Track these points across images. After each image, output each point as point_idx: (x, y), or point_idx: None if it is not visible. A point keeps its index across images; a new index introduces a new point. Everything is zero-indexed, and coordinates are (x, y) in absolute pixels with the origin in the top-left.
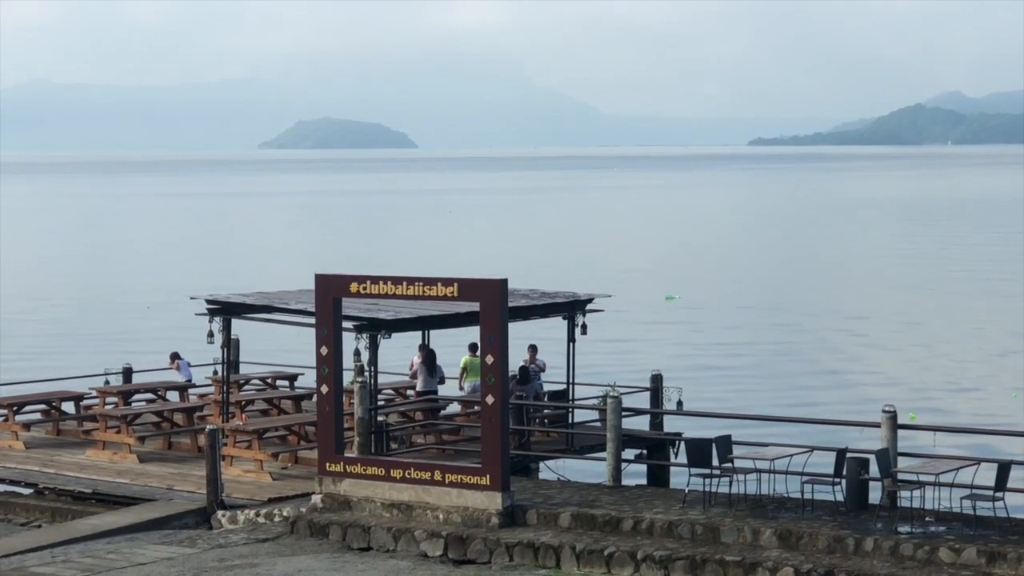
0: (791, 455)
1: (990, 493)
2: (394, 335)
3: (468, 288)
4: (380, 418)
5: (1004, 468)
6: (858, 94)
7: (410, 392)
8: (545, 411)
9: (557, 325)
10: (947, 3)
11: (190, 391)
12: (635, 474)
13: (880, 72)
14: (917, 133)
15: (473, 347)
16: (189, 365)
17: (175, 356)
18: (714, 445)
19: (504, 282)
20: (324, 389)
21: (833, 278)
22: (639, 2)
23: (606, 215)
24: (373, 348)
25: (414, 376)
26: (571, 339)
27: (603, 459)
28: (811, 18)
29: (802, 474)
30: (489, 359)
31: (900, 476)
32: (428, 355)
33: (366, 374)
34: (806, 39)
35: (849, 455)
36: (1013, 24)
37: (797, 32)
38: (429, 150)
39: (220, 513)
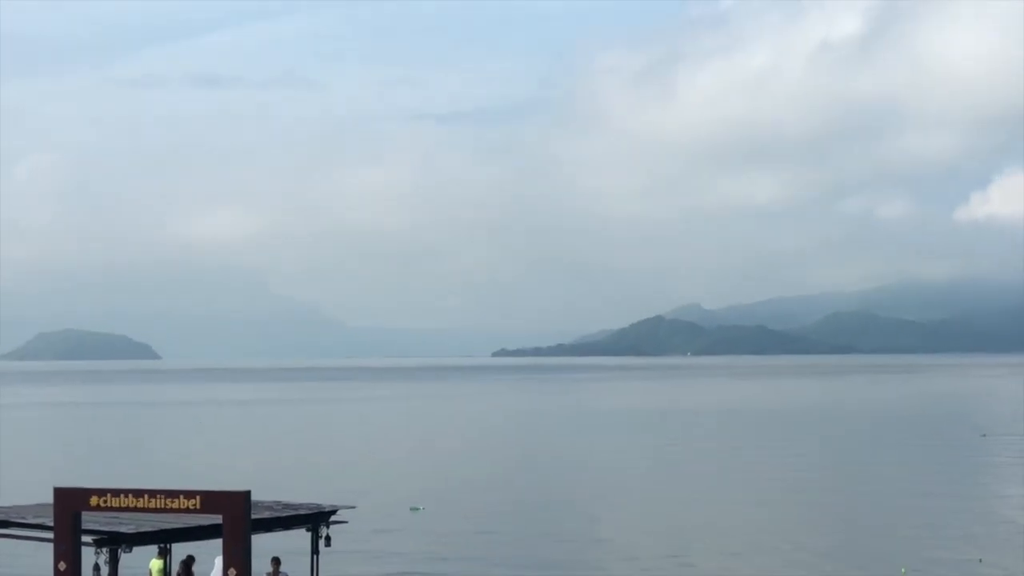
0: None
1: None
2: (135, 549)
3: (211, 501)
4: None
5: None
6: (600, 306)
7: None
8: None
9: (301, 537)
10: (686, 217)
11: None
12: None
13: (621, 284)
14: (658, 344)
15: (161, 551)
16: None
17: None
18: None
19: (247, 494)
20: None
21: (574, 487)
22: (383, 216)
23: (351, 427)
24: (113, 562)
25: None
26: (315, 551)
27: None
28: (554, 231)
29: None
30: (232, 572)
31: None
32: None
33: None
34: (549, 251)
35: None
36: (750, 239)
37: (540, 244)
38: (173, 362)
39: None
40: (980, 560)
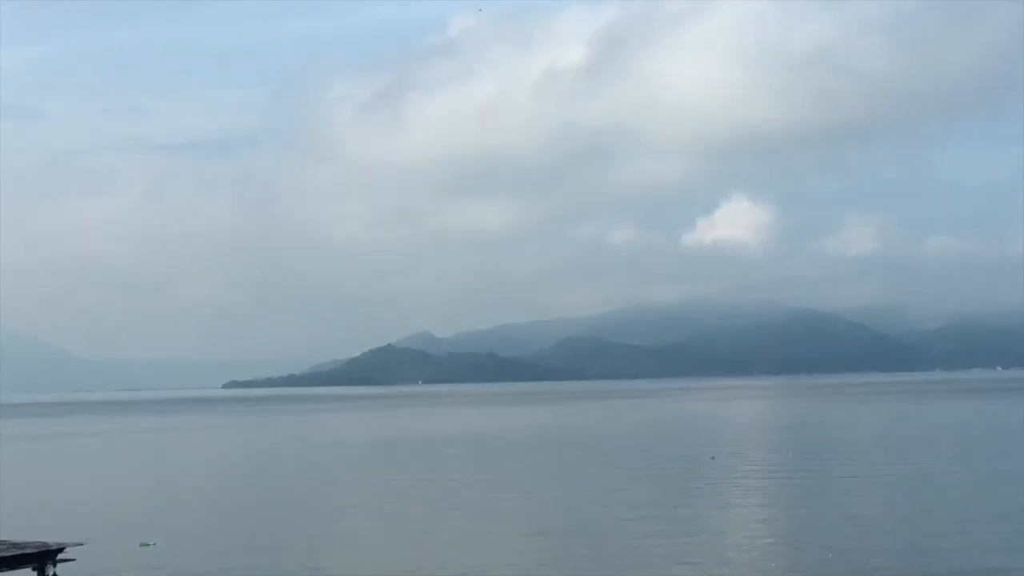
0: None
1: None
2: None
3: None
4: None
5: None
6: (331, 335)
7: None
8: None
9: None
10: (417, 245)
11: None
12: None
13: (353, 313)
14: (390, 373)
15: None
16: None
17: None
18: None
19: None
20: None
21: (304, 518)
22: (110, 247)
23: (78, 463)
24: None
25: None
26: None
27: None
28: (284, 261)
29: None
30: None
31: None
32: None
33: None
34: (280, 281)
35: None
36: (481, 266)
37: (271, 274)
38: None
39: None
40: None
